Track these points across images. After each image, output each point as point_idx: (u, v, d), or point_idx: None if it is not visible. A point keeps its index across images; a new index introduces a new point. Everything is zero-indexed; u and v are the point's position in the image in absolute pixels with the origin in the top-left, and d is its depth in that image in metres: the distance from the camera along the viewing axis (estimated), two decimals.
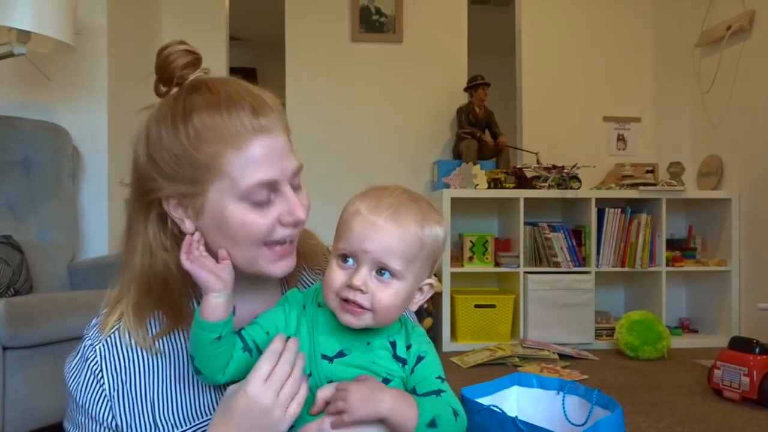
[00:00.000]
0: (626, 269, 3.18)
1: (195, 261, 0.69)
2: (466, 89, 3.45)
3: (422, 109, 3.56)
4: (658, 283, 3.18)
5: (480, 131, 3.39)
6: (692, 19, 3.47)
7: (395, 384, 0.70)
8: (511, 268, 3.15)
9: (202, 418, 0.75)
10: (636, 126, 3.67)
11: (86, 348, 0.76)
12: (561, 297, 3.06)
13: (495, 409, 0.87)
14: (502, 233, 3.46)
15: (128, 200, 0.76)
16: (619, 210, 3.19)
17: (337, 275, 0.70)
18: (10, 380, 1.53)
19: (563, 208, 3.47)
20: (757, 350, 2.11)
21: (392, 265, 0.69)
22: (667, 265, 3.19)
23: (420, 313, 3.05)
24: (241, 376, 0.70)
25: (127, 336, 0.75)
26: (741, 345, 2.17)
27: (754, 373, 2.07)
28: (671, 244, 3.31)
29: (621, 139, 3.66)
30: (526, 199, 3.13)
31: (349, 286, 0.68)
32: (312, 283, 0.86)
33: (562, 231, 3.15)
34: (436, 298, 3.14)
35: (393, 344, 0.72)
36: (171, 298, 0.74)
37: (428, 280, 0.76)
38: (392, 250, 0.69)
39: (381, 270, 0.70)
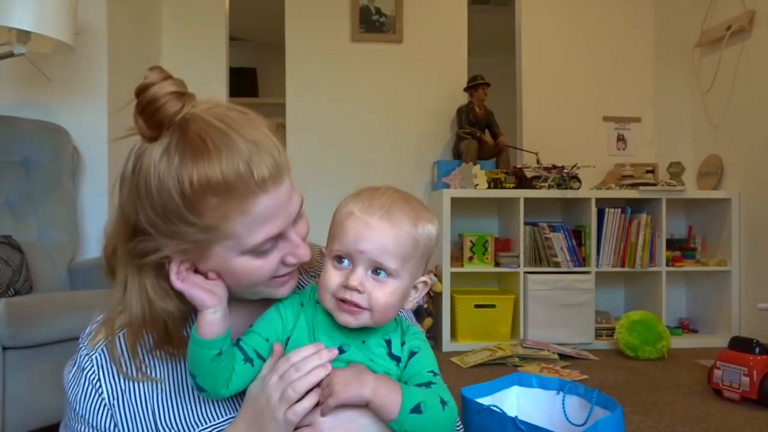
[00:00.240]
0: (626, 269, 3.18)
1: (185, 280, 0.68)
2: (466, 89, 3.45)
3: (422, 109, 3.56)
4: (658, 283, 3.18)
5: (480, 131, 3.39)
6: (692, 19, 3.47)
7: None
8: (511, 268, 3.15)
9: (205, 424, 0.74)
10: (636, 126, 3.67)
11: (82, 358, 0.75)
12: (561, 297, 3.06)
13: (495, 409, 0.87)
14: (502, 233, 3.46)
15: (115, 250, 0.71)
16: (619, 210, 3.19)
17: (333, 276, 0.70)
18: (10, 380, 1.53)
19: (563, 208, 3.47)
20: (757, 350, 2.11)
21: (388, 264, 0.69)
22: (667, 265, 3.19)
23: (420, 313, 3.05)
24: (245, 387, 0.70)
25: (120, 347, 0.74)
26: (741, 345, 2.17)
27: (754, 373, 2.07)
28: (671, 244, 3.31)
29: (621, 139, 3.66)
30: (526, 199, 3.13)
31: (346, 287, 0.68)
32: (306, 285, 0.86)
33: (562, 231, 3.15)
34: (436, 298, 3.14)
35: (388, 342, 0.73)
36: (169, 337, 0.72)
37: (423, 278, 0.76)
38: (387, 249, 0.69)
39: (376, 269, 0.70)
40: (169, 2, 3.37)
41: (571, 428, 0.94)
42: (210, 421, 0.74)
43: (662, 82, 3.65)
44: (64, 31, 1.99)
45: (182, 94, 0.65)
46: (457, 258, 3.20)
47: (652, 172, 3.43)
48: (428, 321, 3.10)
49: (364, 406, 0.66)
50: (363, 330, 0.71)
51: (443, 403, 0.68)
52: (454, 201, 3.12)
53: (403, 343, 0.74)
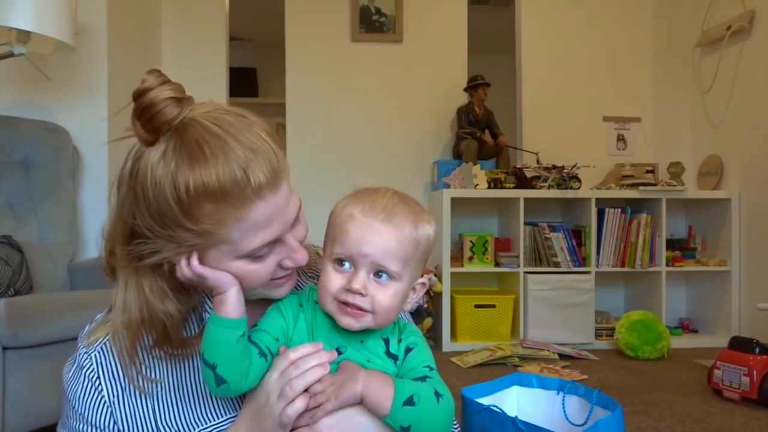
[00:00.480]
0: (626, 269, 3.18)
1: (200, 266, 0.68)
2: (466, 89, 3.45)
3: (422, 109, 3.56)
4: (658, 283, 3.18)
5: (480, 131, 3.39)
6: (692, 19, 3.47)
7: None
8: (511, 268, 3.15)
9: (205, 424, 0.74)
10: (636, 126, 3.67)
11: (81, 356, 0.75)
12: (561, 297, 3.06)
13: (495, 409, 0.87)
14: (502, 233, 3.46)
15: (114, 251, 0.71)
16: (619, 210, 3.19)
17: (335, 279, 0.70)
18: (10, 380, 1.53)
19: (563, 208, 3.47)
20: (757, 350, 2.11)
21: (390, 267, 0.70)
22: (667, 265, 3.19)
23: (420, 313, 3.05)
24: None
25: (119, 345, 0.74)
26: (741, 345, 2.17)
27: (754, 373, 2.07)
28: (671, 244, 3.31)
29: (621, 139, 3.66)
30: (526, 199, 3.13)
31: (349, 290, 0.68)
32: (304, 285, 0.86)
33: (562, 231, 3.15)
34: (436, 298, 3.14)
35: (386, 341, 0.73)
36: (168, 338, 0.72)
37: (421, 279, 0.77)
38: (390, 252, 0.69)
39: (379, 272, 0.70)
40: (169, 2, 3.37)
41: (571, 428, 0.94)
42: (210, 421, 0.74)
43: (662, 82, 3.65)
44: (64, 31, 1.99)
45: (180, 99, 0.65)
46: (457, 258, 3.20)
47: (652, 172, 3.43)
48: (428, 321, 3.10)
49: (360, 403, 0.66)
50: (361, 330, 0.71)
51: (438, 395, 0.68)
52: (454, 201, 3.12)
53: (399, 341, 0.74)
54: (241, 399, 0.74)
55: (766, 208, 2.97)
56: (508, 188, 3.17)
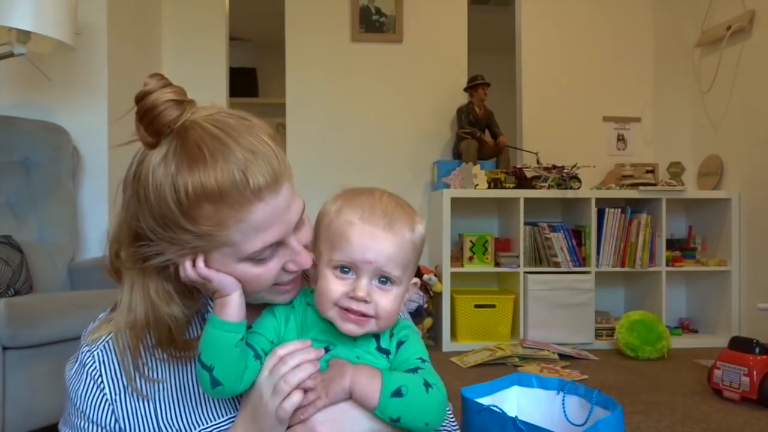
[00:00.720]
0: (626, 269, 3.18)
1: (205, 268, 0.68)
2: (466, 89, 3.45)
3: (422, 109, 3.56)
4: (658, 283, 3.18)
5: (480, 131, 3.39)
6: (692, 19, 3.47)
7: None
8: (511, 268, 3.15)
9: (206, 424, 0.74)
10: (636, 126, 3.67)
11: (84, 354, 0.76)
12: (561, 297, 3.06)
13: (495, 409, 0.87)
14: (502, 233, 3.46)
15: (119, 253, 0.72)
16: (619, 210, 3.19)
17: (336, 286, 0.70)
18: (10, 380, 1.53)
19: (563, 208, 3.47)
20: (757, 350, 2.11)
21: (393, 273, 0.70)
22: (667, 265, 3.19)
23: (420, 313, 3.05)
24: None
25: (122, 344, 0.74)
26: (741, 345, 2.17)
27: (754, 373, 2.07)
28: (671, 244, 3.31)
29: (621, 139, 3.66)
30: (526, 199, 3.13)
31: (354, 298, 0.69)
32: None
33: (562, 231, 3.15)
34: (436, 298, 3.14)
35: (377, 337, 0.74)
36: (172, 340, 0.72)
37: (414, 279, 0.78)
38: (392, 258, 0.70)
39: (380, 278, 0.71)
40: (169, 2, 3.37)
41: (571, 428, 0.94)
42: (210, 421, 0.74)
43: (662, 82, 3.65)
44: (64, 31, 1.99)
45: (181, 102, 0.65)
46: (457, 258, 3.20)
47: (652, 172, 3.44)
48: (428, 321, 3.10)
49: (350, 398, 0.67)
50: None
51: (428, 385, 0.68)
52: (454, 201, 3.12)
53: (392, 335, 0.75)
54: (240, 400, 0.74)
55: (766, 208, 2.97)
56: (508, 188, 3.17)
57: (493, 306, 3.12)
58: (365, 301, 0.69)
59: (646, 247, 3.16)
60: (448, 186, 3.19)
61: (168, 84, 0.66)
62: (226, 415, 0.75)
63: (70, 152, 2.33)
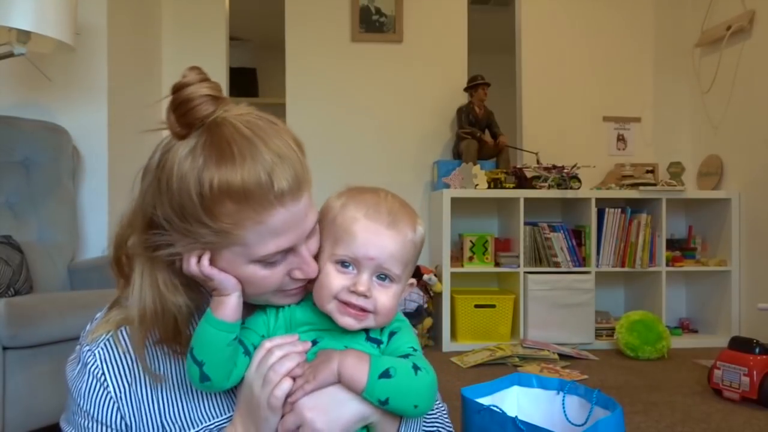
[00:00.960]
0: (626, 269, 3.18)
1: (209, 266, 0.69)
2: (466, 89, 3.45)
3: (422, 109, 3.56)
4: (658, 283, 3.18)
5: (480, 131, 3.39)
6: (692, 19, 3.47)
7: None
8: (511, 268, 3.15)
9: (208, 421, 0.75)
10: (636, 126, 3.67)
11: (85, 354, 0.75)
12: (561, 297, 3.06)
13: (495, 409, 0.87)
14: (502, 233, 3.46)
15: (124, 243, 0.72)
16: (619, 210, 3.19)
17: (337, 279, 0.71)
18: (10, 380, 1.53)
19: (563, 208, 3.47)
20: (757, 350, 2.11)
21: (393, 270, 0.72)
22: (667, 265, 3.19)
23: (420, 313, 3.05)
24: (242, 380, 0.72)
25: (125, 343, 0.75)
26: (741, 345, 2.17)
27: (754, 373, 2.08)
28: (671, 244, 3.31)
29: (621, 139, 3.66)
30: (526, 199, 3.13)
31: (354, 292, 0.70)
32: None
33: (562, 231, 3.15)
34: (436, 298, 3.14)
35: (366, 329, 0.74)
36: (177, 332, 0.72)
37: (411, 280, 0.79)
38: (394, 256, 0.72)
39: (381, 275, 0.72)
40: (169, 2, 3.37)
41: (571, 428, 0.94)
42: (213, 418, 0.75)
43: (662, 82, 3.65)
44: (64, 31, 1.99)
45: (217, 98, 0.66)
46: (457, 258, 3.20)
47: (652, 172, 3.44)
48: (428, 321, 3.09)
49: (339, 382, 0.68)
50: None
51: (416, 368, 0.69)
52: (454, 201, 3.12)
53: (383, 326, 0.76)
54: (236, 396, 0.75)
55: (766, 208, 2.97)
56: (508, 188, 3.17)
57: (493, 306, 3.12)
58: (365, 296, 0.70)
59: (646, 247, 3.16)
60: (448, 186, 3.19)
61: (206, 79, 0.66)
62: (228, 412, 0.75)
63: (70, 152, 2.33)
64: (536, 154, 3.34)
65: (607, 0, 3.65)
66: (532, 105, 3.59)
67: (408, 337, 0.76)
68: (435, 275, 3.10)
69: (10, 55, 1.97)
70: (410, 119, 3.55)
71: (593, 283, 3.10)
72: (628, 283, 3.52)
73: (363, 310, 0.71)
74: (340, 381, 0.68)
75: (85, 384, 0.74)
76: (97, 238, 2.49)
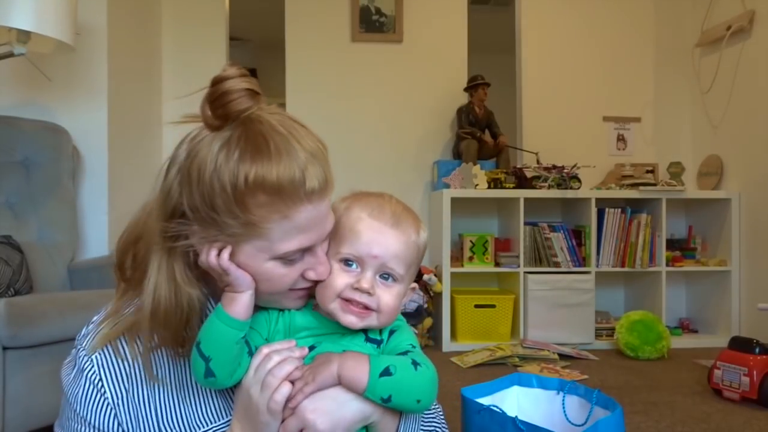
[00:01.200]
0: (626, 269, 3.18)
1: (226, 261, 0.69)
2: (466, 89, 3.45)
3: (422, 109, 3.56)
4: (658, 283, 3.18)
5: (480, 131, 3.39)
6: (692, 19, 3.47)
7: None
8: (511, 268, 3.15)
9: (207, 425, 0.74)
10: (636, 126, 3.67)
11: (82, 359, 0.75)
12: (561, 297, 3.06)
13: (495, 409, 0.87)
14: (502, 233, 3.46)
15: (138, 239, 0.73)
16: (619, 210, 3.19)
17: (341, 277, 0.72)
18: (10, 380, 1.53)
19: (563, 208, 3.47)
20: (757, 350, 2.11)
21: (397, 270, 0.73)
22: (667, 265, 3.19)
23: (420, 313, 3.05)
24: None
25: (122, 348, 0.74)
26: (741, 345, 2.17)
27: (754, 373, 2.07)
28: (671, 244, 3.31)
29: (621, 139, 3.66)
30: (526, 199, 3.13)
31: (357, 289, 0.71)
32: None
33: (562, 231, 3.15)
34: (436, 298, 3.14)
35: (365, 330, 0.75)
36: (188, 324, 0.72)
37: (412, 284, 0.81)
38: (398, 255, 0.73)
39: (384, 274, 0.73)
40: (169, 2, 3.37)
41: (571, 428, 0.94)
42: (211, 423, 0.75)
43: (662, 82, 3.65)
44: (64, 31, 1.99)
45: (255, 94, 0.67)
46: (457, 258, 3.20)
47: (652, 172, 3.44)
48: (428, 321, 3.09)
49: (339, 384, 0.68)
50: (340, 328, 0.74)
51: (416, 364, 0.69)
52: (454, 201, 3.12)
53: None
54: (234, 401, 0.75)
55: (766, 208, 2.97)
56: (508, 188, 3.17)
57: (493, 306, 3.12)
58: (369, 294, 0.71)
59: (646, 247, 3.16)
60: (448, 186, 3.19)
61: (246, 74, 0.67)
62: (226, 416, 0.75)
63: (70, 152, 2.33)
64: (536, 154, 3.34)
65: (607, 0, 3.65)
66: (532, 105, 3.59)
67: (407, 335, 0.76)
68: (435, 275, 3.10)
69: (10, 55, 1.97)
70: (410, 119, 3.55)
71: (593, 283, 3.10)
72: (628, 283, 3.52)
73: (366, 308, 0.71)
74: (340, 383, 0.68)
75: (81, 389, 0.74)
76: (97, 238, 2.49)
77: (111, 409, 0.74)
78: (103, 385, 0.74)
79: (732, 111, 3.21)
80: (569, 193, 3.15)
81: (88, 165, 2.49)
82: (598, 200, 3.16)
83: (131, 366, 0.74)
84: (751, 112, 3.06)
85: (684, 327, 3.34)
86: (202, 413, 0.75)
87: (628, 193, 3.19)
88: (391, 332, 0.76)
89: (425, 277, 3.05)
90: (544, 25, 3.61)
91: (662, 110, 3.65)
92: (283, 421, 0.68)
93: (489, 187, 3.15)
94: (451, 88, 3.54)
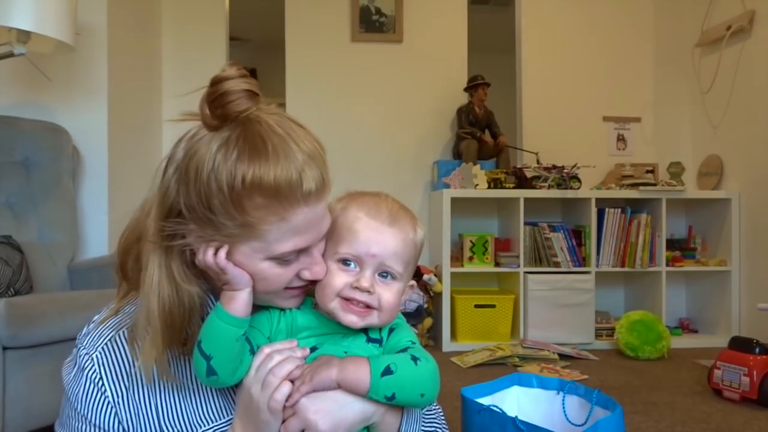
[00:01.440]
0: (626, 269, 3.18)
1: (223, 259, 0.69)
2: (466, 89, 3.45)
3: (422, 109, 3.56)
4: (658, 283, 3.18)
5: (480, 131, 3.39)
6: (692, 19, 3.47)
7: None
8: (511, 268, 3.15)
9: (208, 424, 0.75)
10: (636, 126, 3.67)
11: (82, 358, 0.75)
12: (561, 297, 3.06)
13: (495, 409, 0.87)
14: (502, 233, 3.46)
15: (138, 239, 0.72)
16: (619, 210, 3.19)
17: (340, 277, 0.73)
18: (10, 380, 1.53)
19: (563, 208, 3.47)
20: (757, 350, 2.11)
21: (395, 268, 0.74)
22: (667, 265, 3.19)
23: (420, 313, 3.05)
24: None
25: (122, 347, 0.74)
26: (741, 345, 2.17)
27: (754, 373, 2.07)
28: (671, 244, 3.31)
29: (621, 139, 3.66)
30: (526, 199, 3.13)
31: (357, 288, 0.71)
32: None
33: (562, 231, 3.15)
34: (436, 298, 3.14)
35: (365, 331, 0.76)
36: (191, 329, 0.72)
37: (410, 282, 0.81)
38: (396, 253, 0.73)
39: (383, 272, 0.74)
40: (169, 2, 3.37)
41: (571, 428, 0.94)
42: (212, 422, 0.75)
43: (662, 82, 3.65)
44: (64, 31, 1.99)
45: (254, 95, 0.67)
46: (457, 258, 3.20)
47: (652, 172, 3.44)
48: (428, 321, 3.10)
49: (339, 388, 0.68)
50: (341, 327, 0.74)
51: (415, 359, 0.70)
52: (454, 201, 3.12)
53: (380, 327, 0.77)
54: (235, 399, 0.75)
55: (766, 208, 2.97)
56: (508, 188, 3.17)
57: (493, 306, 3.12)
58: (369, 292, 0.71)
59: (646, 247, 3.16)
60: (448, 186, 3.19)
61: (245, 75, 0.67)
62: (228, 415, 0.75)
63: (70, 152, 2.33)
64: (536, 154, 3.34)
65: (607, 0, 3.65)
66: (532, 105, 3.59)
67: (406, 332, 0.77)
68: (435, 275, 3.10)
69: (10, 55, 1.97)
70: (410, 119, 3.55)
71: (593, 283, 3.10)
72: (628, 283, 3.52)
73: (367, 306, 0.72)
74: (341, 387, 0.68)
75: (82, 388, 0.74)
76: (97, 238, 2.49)
77: (111, 408, 0.74)
78: (103, 384, 0.74)
79: (732, 111, 3.21)
80: (569, 193, 3.15)
81: (88, 165, 2.49)
82: (598, 200, 3.16)
83: (132, 365, 0.74)
84: (751, 112, 3.06)
85: (684, 327, 3.34)
86: (203, 412, 0.75)
87: (628, 193, 3.19)
88: (391, 330, 0.77)
89: (425, 277, 3.05)
90: (544, 25, 3.61)
91: (662, 110, 3.65)
92: (284, 421, 0.68)
93: (489, 187, 3.15)
94: (451, 88, 3.54)
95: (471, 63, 3.62)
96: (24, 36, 1.95)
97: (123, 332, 0.75)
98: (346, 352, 0.72)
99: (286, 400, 0.67)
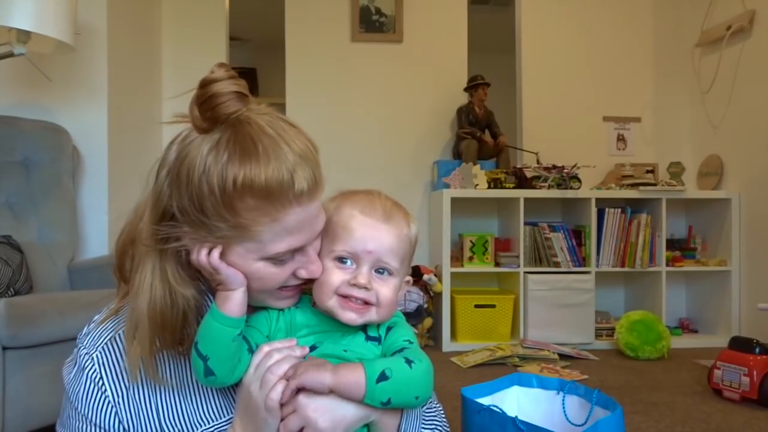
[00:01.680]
0: (626, 269, 3.18)
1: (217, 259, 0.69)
2: (466, 89, 3.45)
3: (422, 109, 3.56)
4: (658, 283, 3.18)
5: (480, 131, 3.39)
6: (692, 19, 3.47)
7: None
8: (511, 268, 3.15)
9: (208, 424, 0.75)
10: (636, 126, 3.67)
11: (83, 357, 0.75)
12: (561, 297, 3.06)
13: (495, 409, 0.87)
14: (502, 233, 3.46)
15: (133, 241, 0.72)
16: (619, 210, 3.19)
17: (336, 275, 0.73)
18: (10, 380, 1.53)
19: (563, 208, 3.47)
20: (757, 350, 2.11)
21: (392, 264, 0.74)
22: (667, 265, 3.19)
23: (420, 313, 3.05)
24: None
25: (123, 347, 0.74)
26: (741, 345, 2.17)
27: (754, 373, 2.07)
28: (671, 244, 3.31)
29: (621, 139, 3.66)
30: (526, 199, 3.13)
31: (354, 285, 0.72)
32: None
33: (562, 231, 3.15)
34: (436, 298, 3.14)
35: (364, 329, 0.76)
36: (186, 324, 0.72)
37: (407, 278, 0.81)
38: (392, 249, 0.74)
39: (380, 269, 0.74)
40: (169, 2, 3.37)
41: (571, 428, 0.94)
42: (212, 421, 0.75)
43: (662, 82, 3.65)
44: (64, 31, 1.99)
45: (243, 96, 0.66)
46: (457, 258, 3.20)
47: (652, 172, 3.44)
48: (428, 321, 3.09)
49: (330, 394, 0.68)
50: (340, 325, 0.74)
51: (408, 361, 0.69)
52: (454, 201, 3.12)
53: (379, 324, 0.77)
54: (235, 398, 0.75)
55: (766, 208, 2.97)
56: (508, 188, 3.17)
57: (493, 306, 3.12)
58: (366, 288, 0.72)
59: (646, 247, 3.16)
60: (448, 186, 3.19)
61: (234, 76, 0.66)
62: (228, 414, 0.76)
63: (70, 152, 2.34)
64: (536, 154, 3.34)
65: (606, 0, 3.65)
66: (532, 105, 3.59)
67: (403, 331, 0.77)
68: (435, 275, 3.10)
69: (10, 55, 1.97)
70: (410, 119, 3.55)
71: (593, 283, 3.10)
72: (628, 283, 3.52)
73: (366, 303, 0.72)
74: (335, 393, 0.68)
75: (82, 388, 0.74)
76: (97, 238, 2.49)
77: (112, 407, 0.74)
78: (103, 383, 0.74)
79: (732, 111, 3.21)
80: (569, 193, 3.15)
81: (88, 165, 2.49)
82: (598, 200, 3.16)
83: (134, 363, 0.74)
84: (751, 112, 3.06)
85: (684, 327, 3.34)
86: (203, 411, 0.75)
87: (628, 193, 3.19)
88: (389, 329, 0.77)
89: (425, 277, 3.05)
90: (544, 25, 3.61)
91: (662, 110, 3.65)
92: (284, 418, 0.68)
93: (489, 187, 3.15)
94: (451, 88, 3.54)
95: (471, 63, 3.62)
96: (24, 36, 1.95)
97: (123, 332, 0.75)
98: (345, 351, 0.73)
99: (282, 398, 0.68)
